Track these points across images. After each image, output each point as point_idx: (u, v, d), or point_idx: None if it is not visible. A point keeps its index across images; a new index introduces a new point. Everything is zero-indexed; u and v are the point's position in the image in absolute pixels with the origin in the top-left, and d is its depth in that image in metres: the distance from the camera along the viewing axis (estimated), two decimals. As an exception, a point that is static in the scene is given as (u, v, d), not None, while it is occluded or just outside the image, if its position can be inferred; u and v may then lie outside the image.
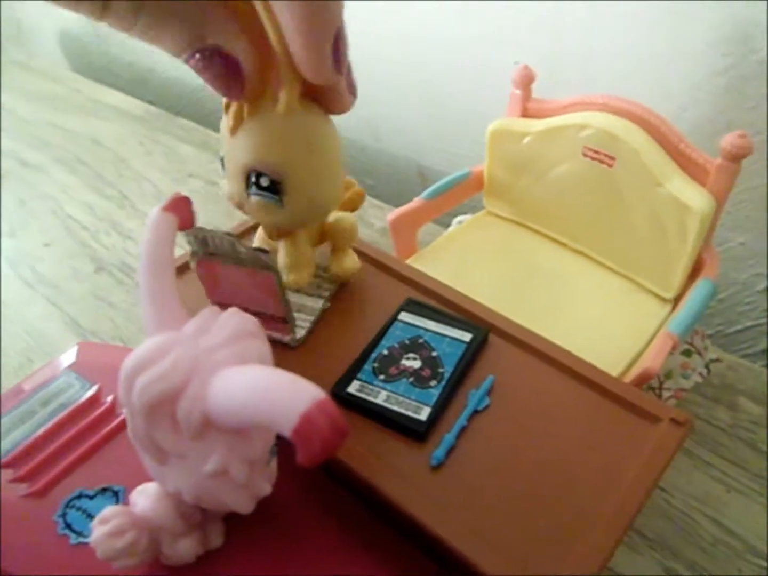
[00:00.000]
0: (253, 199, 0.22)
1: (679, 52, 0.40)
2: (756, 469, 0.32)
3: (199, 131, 0.66)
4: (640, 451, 0.21)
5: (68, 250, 0.49)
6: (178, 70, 0.78)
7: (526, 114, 0.34)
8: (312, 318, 0.25)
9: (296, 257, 0.25)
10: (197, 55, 0.19)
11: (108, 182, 0.58)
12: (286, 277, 0.25)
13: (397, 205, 0.52)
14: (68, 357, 0.31)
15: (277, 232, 0.24)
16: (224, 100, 0.21)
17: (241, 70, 0.19)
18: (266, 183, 0.21)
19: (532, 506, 0.19)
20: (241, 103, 0.21)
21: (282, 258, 0.25)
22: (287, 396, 0.15)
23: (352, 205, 0.27)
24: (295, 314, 0.25)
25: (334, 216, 0.26)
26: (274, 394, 0.16)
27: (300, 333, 0.25)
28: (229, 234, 0.22)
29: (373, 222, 0.50)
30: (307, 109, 0.21)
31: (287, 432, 0.15)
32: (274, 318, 0.24)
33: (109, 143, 0.64)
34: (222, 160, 0.23)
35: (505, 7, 0.46)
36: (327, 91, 0.21)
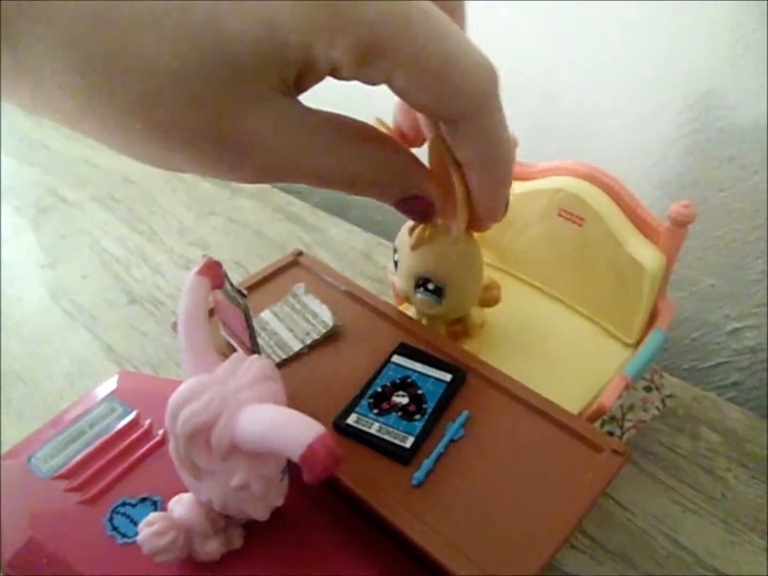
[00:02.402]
0: (419, 296, 0.30)
1: (654, 116, 0.45)
2: (711, 492, 0.36)
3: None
4: (584, 475, 0.25)
5: (104, 283, 0.55)
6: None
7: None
8: (284, 356, 0.30)
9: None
10: (404, 201, 0.25)
11: (139, 218, 0.63)
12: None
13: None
14: (110, 384, 0.36)
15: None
16: (410, 223, 0.30)
17: (433, 209, 0.26)
18: (432, 287, 0.30)
19: (493, 517, 0.24)
20: (425, 227, 0.29)
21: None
22: (296, 430, 0.20)
23: (489, 303, 0.34)
24: (272, 348, 0.31)
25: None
26: (286, 429, 0.20)
27: None
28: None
29: (378, 260, 0.55)
30: (466, 236, 0.29)
31: (296, 458, 0.20)
32: (246, 346, 0.29)
33: (139, 180, 0.69)
34: (396, 263, 0.31)
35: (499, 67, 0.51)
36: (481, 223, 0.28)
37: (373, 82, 0.21)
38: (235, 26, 0.18)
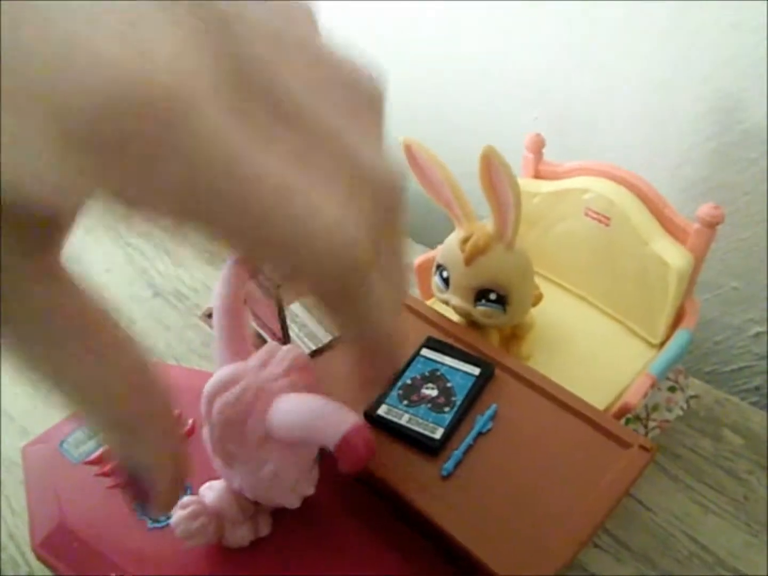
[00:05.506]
0: (482, 308, 0.30)
1: (674, 118, 0.45)
2: (732, 494, 0.36)
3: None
4: (611, 470, 0.25)
5: (127, 276, 0.55)
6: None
7: (538, 175, 0.39)
8: (313, 346, 0.31)
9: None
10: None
11: (162, 213, 0.64)
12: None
13: (425, 241, 0.57)
14: (139, 374, 0.36)
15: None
16: (456, 237, 0.30)
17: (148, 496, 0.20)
18: (494, 297, 0.30)
19: (521, 510, 0.24)
20: (478, 237, 0.29)
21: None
22: (333, 420, 0.20)
23: (535, 302, 0.34)
24: (302, 339, 0.31)
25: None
26: (322, 418, 0.21)
27: None
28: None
29: (399, 258, 0.55)
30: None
31: (331, 447, 0.20)
32: (277, 337, 0.29)
33: (163, 176, 0.70)
34: (446, 281, 0.31)
35: (520, 70, 0.51)
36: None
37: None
38: None
